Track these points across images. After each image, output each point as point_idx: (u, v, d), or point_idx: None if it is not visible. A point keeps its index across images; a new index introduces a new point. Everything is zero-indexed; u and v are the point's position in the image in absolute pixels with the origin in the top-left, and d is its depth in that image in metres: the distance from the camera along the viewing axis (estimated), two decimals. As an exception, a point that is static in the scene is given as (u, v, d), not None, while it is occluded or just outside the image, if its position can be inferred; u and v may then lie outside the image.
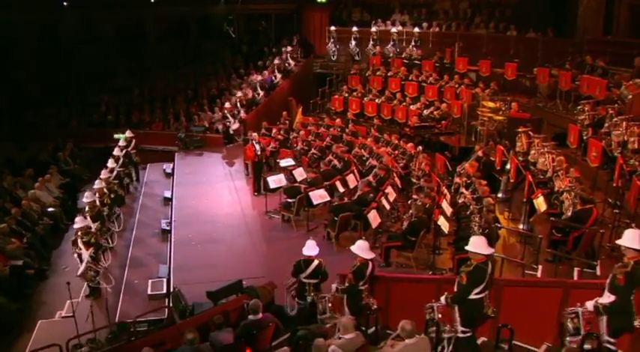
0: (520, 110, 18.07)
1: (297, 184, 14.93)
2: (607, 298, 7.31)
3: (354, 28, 26.55)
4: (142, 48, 30.86)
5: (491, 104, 18.48)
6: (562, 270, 10.91)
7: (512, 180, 14.50)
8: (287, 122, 21.71)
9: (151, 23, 31.64)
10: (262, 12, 31.41)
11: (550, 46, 21.72)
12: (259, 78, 25.38)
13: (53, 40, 29.93)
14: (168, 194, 18.17)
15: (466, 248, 8.14)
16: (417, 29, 25.42)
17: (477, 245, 7.98)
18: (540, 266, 10.88)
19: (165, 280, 12.46)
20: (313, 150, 18.33)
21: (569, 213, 11.36)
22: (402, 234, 12.28)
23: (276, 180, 15.31)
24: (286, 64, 26.26)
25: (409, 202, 14.38)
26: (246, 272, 12.37)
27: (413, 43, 25.07)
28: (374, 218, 12.50)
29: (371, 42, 25.81)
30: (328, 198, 14.27)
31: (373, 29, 26.11)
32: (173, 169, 20.53)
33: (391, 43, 25.28)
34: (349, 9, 30.00)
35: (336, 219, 13.02)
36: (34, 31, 29.43)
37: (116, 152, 19.06)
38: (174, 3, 30.03)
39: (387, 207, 13.48)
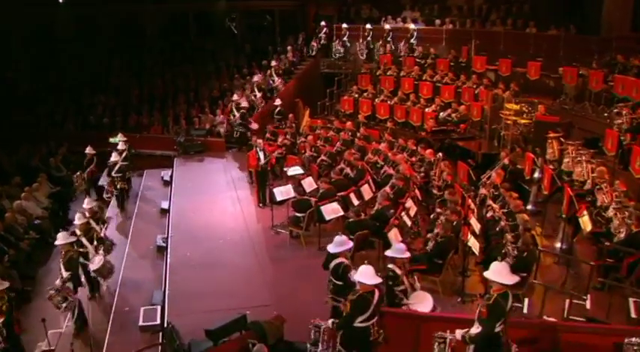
0: (547, 113, 16.66)
1: (306, 197, 13.49)
2: (475, 328, 7.34)
3: (368, 26, 25.24)
4: (140, 46, 29.36)
5: (514, 106, 17.06)
6: (615, 301, 9.49)
7: (545, 192, 13.08)
8: (294, 125, 20.30)
9: (149, 20, 30.11)
10: (265, 8, 29.92)
11: (573, 43, 20.33)
12: (256, 78, 23.91)
13: (47, 38, 28.45)
14: (165, 205, 16.78)
15: (485, 274, 7.66)
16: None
17: (498, 273, 7.42)
18: (589, 296, 9.44)
19: (159, 308, 11.02)
20: (323, 157, 16.91)
21: (621, 235, 9.94)
22: (427, 256, 10.86)
23: (283, 192, 13.89)
24: (270, 81, 24.27)
25: (431, 216, 12.98)
26: (251, 299, 11.07)
27: (413, 40, 24.06)
28: (395, 236, 11.09)
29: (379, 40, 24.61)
30: (342, 213, 12.85)
31: (368, 27, 25.06)
32: (172, 176, 19.12)
33: (402, 41, 24.22)
34: (358, 6, 28.59)
35: (351, 237, 11.59)
36: (28, 28, 27.95)
37: (114, 158, 17.65)
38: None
39: (409, 223, 12.07)
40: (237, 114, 21.62)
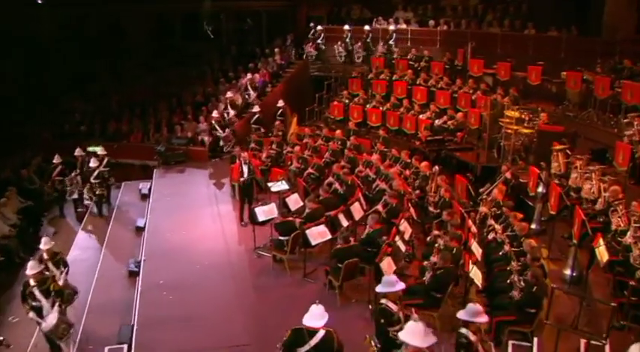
0: (550, 121, 15.57)
1: (290, 218, 12.30)
2: None
3: (346, 27, 24.53)
4: (122, 49, 28.08)
5: (514, 113, 15.96)
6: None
7: (552, 212, 11.97)
8: (280, 134, 19.14)
9: (132, 22, 28.80)
10: (253, 9, 28.71)
11: (575, 46, 19.32)
12: (247, 78, 22.77)
13: (24, 41, 27.09)
14: (141, 222, 15.60)
15: (400, 335, 6.97)
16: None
17: (411, 334, 6.78)
18: (608, 341, 8.30)
19: (125, 348, 9.84)
20: (310, 170, 15.72)
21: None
22: (424, 289, 9.72)
23: (266, 211, 12.70)
24: (245, 96, 22.97)
25: (428, 239, 11.83)
26: (229, 336, 10.03)
27: (392, 41, 23.28)
28: (388, 266, 9.95)
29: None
30: (329, 237, 11.68)
31: (346, 28, 24.36)
32: (150, 190, 17.92)
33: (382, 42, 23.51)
34: (349, 6, 27.47)
35: (340, 265, 10.47)
36: (3, 31, 26.61)
37: (93, 163, 17.07)
38: (158, 0, 27.40)
39: (403, 248, 10.92)
40: (232, 113, 20.66)
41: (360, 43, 23.97)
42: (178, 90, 25.19)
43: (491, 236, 11.61)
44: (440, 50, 22.59)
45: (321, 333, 7.45)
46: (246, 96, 22.20)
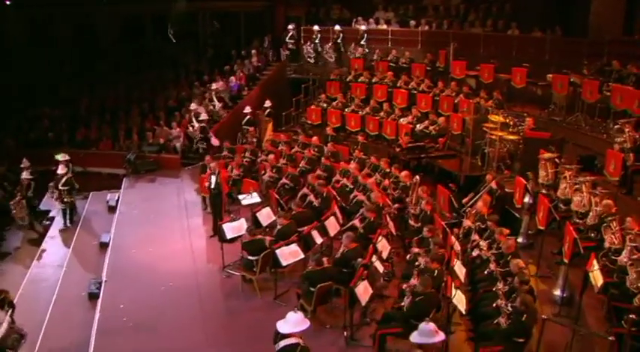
0: (536, 127, 14.84)
1: (260, 236, 11.41)
2: None
3: (316, 27, 23.71)
4: (93, 52, 27.01)
5: (499, 118, 15.22)
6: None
7: (540, 226, 11.20)
8: (254, 141, 18.28)
9: (104, 23, 27.74)
10: (230, 10, 27.77)
11: (560, 47, 18.49)
12: (216, 86, 21.76)
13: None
14: (106, 237, 14.70)
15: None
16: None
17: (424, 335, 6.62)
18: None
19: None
20: (284, 180, 14.86)
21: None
22: (403, 316, 8.89)
23: (234, 228, 11.82)
24: (211, 106, 21.73)
25: (408, 257, 11.03)
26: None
27: (363, 41, 22.50)
28: (364, 291, 9.13)
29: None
30: (302, 256, 10.84)
31: (316, 28, 23.54)
32: (118, 201, 17.01)
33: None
34: (328, 6, 26.63)
35: (312, 289, 9.63)
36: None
37: (61, 170, 16.36)
38: (129, 1, 26.37)
39: (381, 269, 10.09)
40: (197, 126, 19.64)
41: (330, 44, 23.11)
42: (152, 94, 24.29)
43: (475, 252, 10.85)
44: (421, 51, 21.79)
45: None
46: (212, 107, 21.16)
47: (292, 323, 6.93)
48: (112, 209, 16.86)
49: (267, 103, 20.42)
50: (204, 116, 19.80)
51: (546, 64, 17.84)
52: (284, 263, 10.55)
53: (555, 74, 16.15)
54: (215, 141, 18.99)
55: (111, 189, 18.51)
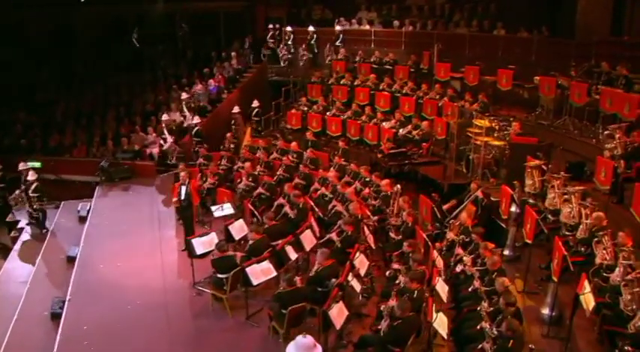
0: (522, 131, 14.26)
1: (231, 252, 10.71)
2: None
3: (288, 28, 23.37)
4: (71, 55, 26.18)
5: (484, 122, 14.65)
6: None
7: (527, 240, 10.60)
8: (232, 147, 17.59)
9: (83, 25, 26.87)
10: (209, 10, 27.01)
11: (547, 48, 18.03)
12: (185, 96, 20.65)
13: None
14: (74, 251, 13.94)
15: None
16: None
17: None
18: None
19: None
20: (260, 189, 14.18)
21: (634, 317, 7.46)
22: (380, 341, 8.26)
23: (205, 243, 11.16)
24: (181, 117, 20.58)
25: (387, 273, 10.40)
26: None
27: (338, 42, 22.13)
28: (338, 314, 8.49)
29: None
30: (274, 274, 10.17)
31: (288, 29, 23.24)
32: (89, 211, 16.27)
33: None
34: (309, 6, 26.01)
35: (283, 311, 8.98)
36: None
37: (31, 176, 15.79)
38: (108, 1, 25.54)
39: (358, 288, 9.46)
40: (170, 140, 18.87)
41: (304, 45, 22.51)
42: (129, 97, 23.53)
43: (459, 268, 10.23)
44: (405, 52, 21.23)
45: None
46: (182, 119, 20.15)
47: (303, 349, 6.09)
48: (82, 219, 16.11)
49: (255, 103, 19.85)
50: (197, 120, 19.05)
51: (533, 65, 17.41)
52: (255, 282, 9.87)
53: (542, 76, 15.64)
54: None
55: (84, 198, 17.69)
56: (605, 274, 8.63)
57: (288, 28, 22.83)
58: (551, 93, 15.18)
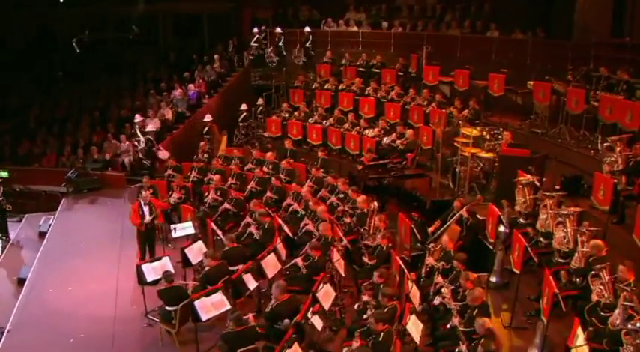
0: (514, 142, 13.10)
1: (181, 282, 9.54)
2: None
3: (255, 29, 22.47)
4: (49, 58, 25.02)
5: (473, 131, 13.51)
6: None
7: (515, 269, 9.42)
8: (206, 157, 16.42)
9: (62, 27, 25.73)
10: (192, 12, 25.89)
11: (542, 50, 16.91)
12: (138, 120, 18.20)
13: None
14: (26, 272, 12.79)
15: None
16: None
17: None
18: None
19: None
20: (226, 205, 12.99)
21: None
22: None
23: (156, 269, 10.00)
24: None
25: (356, 306, 9.21)
26: None
27: (308, 43, 21.21)
28: (294, 357, 7.32)
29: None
30: (227, 307, 8.96)
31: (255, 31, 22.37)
32: (50, 226, 15.14)
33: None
34: (296, 7, 24.88)
35: (229, 354, 7.81)
36: None
37: None
38: (87, 3, 24.43)
39: (320, 326, 8.27)
40: (143, 140, 17.62)
41: (272, 47, 21.49)
42: (106, 102, 22.38)
43: (437, 300, 9.04)
44: (394, 54, 20.08)
45: None
46: (136, 143, 17.92)
47: None
48: (42, 235, 14.98)
49: (244, 106, 18.99)
50: (151, 127, 17.78)
51: (528, 68, 16.27)
52: (204, 317, 8.65)
53: (537, 81, 14.46)
54: (164, 154, 17.11)
55: (49, 210, 16.63)
56: (602, 313, 7.45)
57: (278, 30, 21.64)
58: (545, 100, 14.00)
